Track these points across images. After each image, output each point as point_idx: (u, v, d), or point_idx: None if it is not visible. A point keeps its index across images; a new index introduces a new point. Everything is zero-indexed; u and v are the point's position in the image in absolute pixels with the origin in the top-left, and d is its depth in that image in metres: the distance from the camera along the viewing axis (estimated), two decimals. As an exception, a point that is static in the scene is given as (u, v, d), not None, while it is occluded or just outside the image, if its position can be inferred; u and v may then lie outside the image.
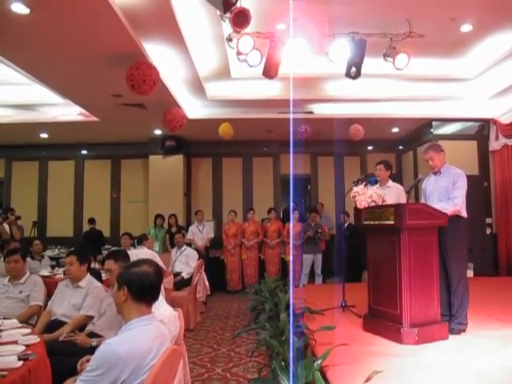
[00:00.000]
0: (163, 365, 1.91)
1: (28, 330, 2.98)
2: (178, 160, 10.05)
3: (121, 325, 3.14)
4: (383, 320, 4.10)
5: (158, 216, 9.27)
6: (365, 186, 4.68)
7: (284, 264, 9.14)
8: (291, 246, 8.76)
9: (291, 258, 8.66)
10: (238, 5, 4.44)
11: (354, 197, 4.57)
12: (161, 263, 6.02)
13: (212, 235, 9.30)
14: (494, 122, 8.71)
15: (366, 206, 4.44)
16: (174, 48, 5.73)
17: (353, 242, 7.80)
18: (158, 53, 5.78)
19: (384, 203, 4.44)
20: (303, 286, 7.85)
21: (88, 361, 2.46)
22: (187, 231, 9.03)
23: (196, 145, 10.27)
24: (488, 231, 8.57)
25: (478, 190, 8.27)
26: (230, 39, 5.28)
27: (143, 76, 4.99)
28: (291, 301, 4.71)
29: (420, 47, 6.14)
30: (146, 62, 5.13)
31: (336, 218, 10.43)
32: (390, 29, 5.62)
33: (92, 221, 9.51)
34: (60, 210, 10.56)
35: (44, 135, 9.58)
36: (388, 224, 4.05)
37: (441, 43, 6.42)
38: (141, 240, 6.71)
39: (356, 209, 4.67)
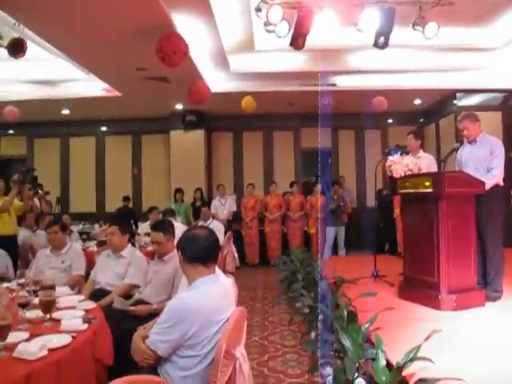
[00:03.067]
0: (236, 322, 1.98)
1: (82, 297, 3.05)
2: (198, 135, 10.07)
3: (168, 291, 3.26)
4: (420, 287, 4.14)
5: (178, 190, 9.34)
6: (400, 154, 4.67)
7: (307, 237, 9.18)
8: (320, 217, 8.77)
9: (320, 228, 8.68)
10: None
11: (390, 166, 4.56)
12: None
13: (234, 208, 9.38)
14: (520, 91, 8.57)
15: (403, 174, 4.44)
16: (200, 19, 5.67)
17: (377, 213, 7.82)
18: (184, 24, 5.72)
19: (420, 172, 4.43)
20: (329, 258, 7.90)
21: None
22: (209, 205, 9.08)
23: (216, 119, 10.26)
24: (513, 203, 8.51)
25: (506, 161, 8.17)
26: (258, 9, 5.22)
27: (173, 47, 4.97)
28: (324, 269, 4.75)
29: (448, 16, 6.00)
30: (175, 33, 5.11)
31: (357, 190, 10.45)
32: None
33: (126, 199, 9.59)
34: (82, 187, 10.68)
35: (65, 111, 9.62)
36: (426, 192, 4.05)
37: (469, 11, 6.26)
38: (166, 214, 6.77)
39: (391, 178, 4.67)
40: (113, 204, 9.92)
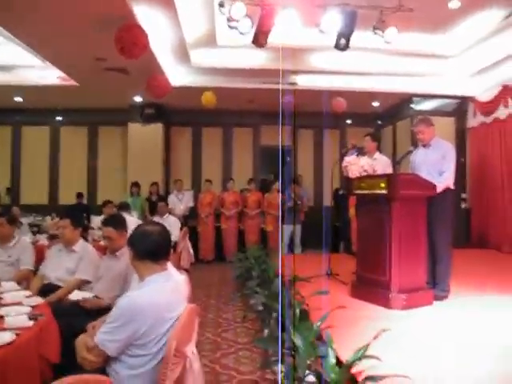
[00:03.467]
0: (187, 319, 1.96)
1: (28, 292, 2.95)
2: (157, 128, 9.92)
3: (121, 287, 3.20)
4: (372, 286, 4.23)
5: (134, 184, 9.20)
6: (357, 156, 4.75)
7: (264, 234, 9.22)
8: (277, 215, 8.83)
9: (280, 226, 8.74)
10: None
11: (346, 166, 4.65)
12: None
13: (191, 204, 9.31)
14: (473, 99, 8.92)
15: (358, 175, 4.52)
16: (162, 11, 5.58)
17: (333, 213, 7.95)
18: (145, 16, 5.61)
19: (375, 173, 4.53)
20: (285, 256, 7.97)
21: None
22: (165, 200, 8.97)
23: (176, 113, 10.13)
24: (463, 205, 8.85)
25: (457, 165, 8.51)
26: (221, 5, 5.18)
27: (133, 39, 4.85)
28: (280, 267, 4.78)
29: (408, 22, 6.15)
30: (136, 24, 5.01)
31: (315, 189, 10.58)
32: (381, 1, 5.62)
33: (80, 195, 9.32)
34: (34, 177, 10.30)
35: (18, 99, 9.25)
36: (380, 193, 4.14)
37: (428, 18, 6.45)
38: (121, 208, 6.65)
39: (347, 178, 4.75)
40: (66, 196, 9.66)
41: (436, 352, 2.97)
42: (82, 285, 3.61)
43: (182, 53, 7.07)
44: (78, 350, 2.02)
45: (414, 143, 5.69)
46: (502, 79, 7.91)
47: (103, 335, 1.95)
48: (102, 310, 2.94)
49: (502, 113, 8.16)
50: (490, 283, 5.10)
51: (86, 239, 5.00)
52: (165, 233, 2.26)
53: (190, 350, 2.03)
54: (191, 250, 7.00)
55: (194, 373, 2.00)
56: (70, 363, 2.16)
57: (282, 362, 2.99)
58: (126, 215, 6.22)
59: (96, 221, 7.46)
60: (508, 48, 6.91)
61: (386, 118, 10.48)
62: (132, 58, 5.08)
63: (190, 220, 9.29)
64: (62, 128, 10.48)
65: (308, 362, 2.64)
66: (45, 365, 2.30)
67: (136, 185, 9.17)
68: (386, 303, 4.00)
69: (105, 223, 3.52)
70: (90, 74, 7.38)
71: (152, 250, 2.13)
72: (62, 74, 7.68)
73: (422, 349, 3.03)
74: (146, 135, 9.80)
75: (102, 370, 1.97)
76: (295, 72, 8.08)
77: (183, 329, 1.93)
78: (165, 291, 2.06)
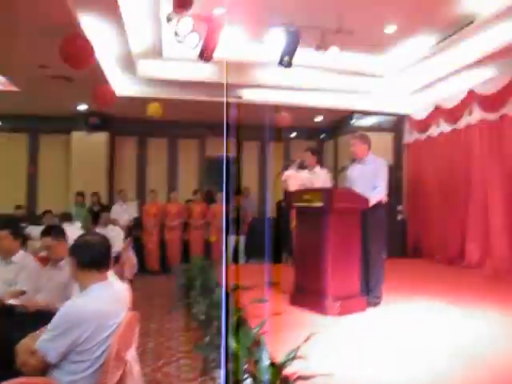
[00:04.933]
0: (127, 325, 2.04)
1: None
2: (102, 138, 9.83)
3: (63, 297, 3.21)
4: (309, 294, 4.44)
5: (79, 194, 9.03)
6: (297, 169, 4.96)
7: (208, 245, 9.29)
8: (223, 226, 8.93)
9: (224, 237, 8.83)
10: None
11: (286, 180, 4.84)
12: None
13: (136, 215, 9.24)
14: (409, 117, 9.49)
15: (297, 188, 4.73)
16: (109, 22, 5.62)
17: (276, 224, 8.15)
18: (91, 24, 5.60)
19: (313, 187, 4.76)
20: (228, 266, 8.07)
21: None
22: (110, 210, 8.87)
23: (121, 123, 10.04)
24: (399, 217, 9.32)
25: (391, 179, 8.96)
26: (169, 19, 5.29)
27: (78, 49, 4.88)
28: (224, 276, 4.88)
29: (348, 42, 6.53)
30: (81, 34, 5.02)
31: (259, 201, 10.79)
32: (323, 22, 5.93)
33: (18, 207, 8.96)
34: (-31, 185, 9.89)
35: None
36: (317, 206, 4.37)
37: (367, 40, 6.86)
38: (63, 218, 6.56)
39: (286, 191, 4.95)
40: (4, 206, 9.32)
41: (367, 355, 3.19)
42: (18, 296, 3.57)
43: (129, 63, 7.10)
44: (20, 354, 2.05)
45: (351, 159, 6.00)
46: (435, 99, 8.47)
47: (44, 342, 1.99)
48: (38, 321, 2.95)
49: (434, 131, 8.72)
50: (419, 290, 5.46)
51: (24, 250, 4.92)
52: (105, 242, 2.33)
53: (130, 354, 2.12)
54: (135, 261, 6.98)
55: (133, 376, 2.09)
56: (5, 374, 2.18)
57: (221, 368, 3.11)
58: (68, 225, 6.18)
59: (35, 231, 7.29)
60: (440, 71, 7.44)
61: (329, 132, 10.89)
62: (77, 68, 5.10)
63: (134, 230, 9.22)
64: (0, 134, 10.12)
65: (245, 366, 2.77)
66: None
67: (80, 194, 9.00)
68: (322, 310, 4.21)
69: (43, 233, 3.53)
70: (32, 81, 7.25)
71: (94, 259, 2.20)
72: (1, 79, 7.48)
73: (355, 352, 3.24)
74: (90, 144, 9.68)
75: (42, 375, 2.01)
76: (241, 86, 8.28)
77: (123, 335, 2.01)
78: (106, 300, 2.13)
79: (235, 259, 8.81)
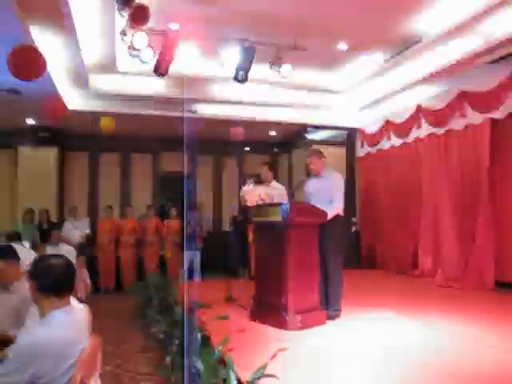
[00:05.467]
0: (91, 351, 1.95)
1: None
2: (51, 153, 9.51)
3: (14, 323, 3.05)
4: (269, 309, 4.43)
5: (28, 211, 8.67)
6: (254, 185, 4.98)
7: (163, 261, 9.12)
8: (185, 241, 8.82)
9: (186, 253, 8.72)
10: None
11: (244, 196, 4.84)
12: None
13: (88, 230, 8.96)
14: (361, 131, 9.75)
15: (255, 203, 4.74)
16: (60, 34, 5.48)
17: (232, 239, 8.14)
18: (41, 34, 5.42)
19: (272, 201, 4.78)
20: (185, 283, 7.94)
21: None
22: (60, 228, 8.56)
23: (72, 138, 9.77)
24: (353, 229, 9.52)
25: (345, 192, 9.16)
26: (124, 33, 5.23)
27: (30, 61, 4.69)
28: (185, 294, 4.80)
29: (302, 58, 6.67)
30: (32, 46, 4.85)
31: (214, 215, 10.74)
32: (278, 39, 6.03)
33: None
34: None
35: None
36: (275, 221, 4.38)
37: (320, 56, 7.04)
38: (11, 238, 6.25)
39: (245, 206, 4.95)
40: None
41: (329, 366, 3.21)
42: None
43: (81, 77, 6.93)
44: None
45: (308, 173, 6.08)
46: (385, 114, 8.76)
47: (0, 378, 1.85)
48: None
49: (385, 144, 9.00)
50: (375, 301, 5.57)
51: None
52: (69, 266, 2.23)
53: (94, 381, 2.03)
54: (88, 280, 6.75)
55: (98, 404, 2.00)
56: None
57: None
58: (17, 245, 5.88)
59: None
60: (389, 87, 7.72)
61: (283, 146, 11.02)
62: (27, 79, 4.91)
63: (87, 248, 8.93)
64: None
65: (210, 386, 2.72)
66: None
67: (30, 211, 8.64)
68: (283, 325, 4.20)
69: (-8, 255, 3.32)
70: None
71: (56, 284, 2.09)
72: None
73: (318, 366, 3.25)
74: (38, 160, 9.34)
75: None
76: (196, 100, 8.26)
77: (87, 361, 1.92)
78: (69, 327, 2.01)
79: (190, 275, 8.68)
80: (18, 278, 3.22)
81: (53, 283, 2.08)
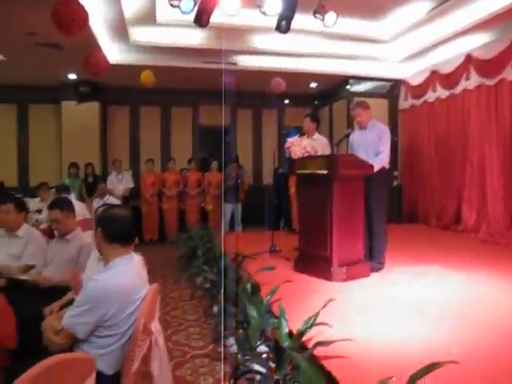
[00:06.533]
0: (151, 298, 2.04)
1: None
2: (93, 107, 9.62)
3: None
4: (314, 261, 4.47)
5: (72, 165, 8.94)
6: (299, 136, 4.92)
7: (204, 213, 9.29)
8: (217, 194, 8.95)
9: (217, 205, 8.89)
10: None
11: (289, 147, 4.80)
12: (87, 213, 5.96)
13: (132, 185, 9.19)
14: (404, 83, 9.41)
15: (300, 155, 4.70)
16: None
17: (273, 191, 8.18)
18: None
19: (316, 154, 4.73)
20: (227, 234, 8.10)
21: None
22: (104, 181, 8.80)
23: (113, 92, 9.82)
24: (395, 183, 9.36)
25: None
26: (164, -17, 5.11)
27: (72, 14, 4.68)
28: (225, 245, 4.90)
29: (346, 7, 6.39)
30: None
31: (254, 168, 10.77)
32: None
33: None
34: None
35: None
36: (321, 173, 4.35)
37: (364, 4, 6.71)
38: (60, 190, 6.47)
39: (290, 158, 4.92)
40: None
41: (374, 317, 3.25)
42: (28, 270, 3.54)
43: (121, 29, 6.87)
44: (46, 333, 2.04)
45: (350, 124, 5.96)
46: (431, 64, 8.39)
47: (72, 318, 1.97)
48: (52, 294, 2.95)
49: (430, 96, 8.65)
50: (419, 255, 5.54)
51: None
52: (131, 217, 2.31)
53: (154, 326, 2.12)
54: (134, 231, 6.97)
55: (159, 348, 2.10)
56: (27, 348, 2.18)
57: (234, 335, 3.15)
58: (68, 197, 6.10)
59: (31, 204, 7.22)
60: (436, 35, 7.33)
61: (323, 98, 10.78)
62: (70, 35, 4.91)
63: (131, 200, 9.18)
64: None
65: (259, 333, 2.81)
66: (2, 351, 2.30)
67: (74, 165, 8.91)
68: (327, 276, 4.26)
69: (51, 206, 3.45)
70: (19, 49, 7.02)
71: (122, 233, 2.18)
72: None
73: (364, 315, 3.30)
74: (81, 114, 9.48)
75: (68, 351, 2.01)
76: (235, 52, 8.12)
77: (148, 307, 2.02)
78: (130, 274, 2.12)
79: (231, 227, 8.83)
80: (73, 227, 3.35)
81: (119, 232, 2.17)
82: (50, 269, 3.35)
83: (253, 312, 2.78)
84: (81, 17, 4.76)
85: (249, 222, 9.34)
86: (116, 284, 2.02)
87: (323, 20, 5.87)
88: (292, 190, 7.33)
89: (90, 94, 9.40)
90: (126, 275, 2.08)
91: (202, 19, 5.68)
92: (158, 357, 2.07)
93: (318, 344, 2.42)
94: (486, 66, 7.11)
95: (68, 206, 3.42)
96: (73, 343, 2.01)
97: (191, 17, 5.71)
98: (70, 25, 4.74)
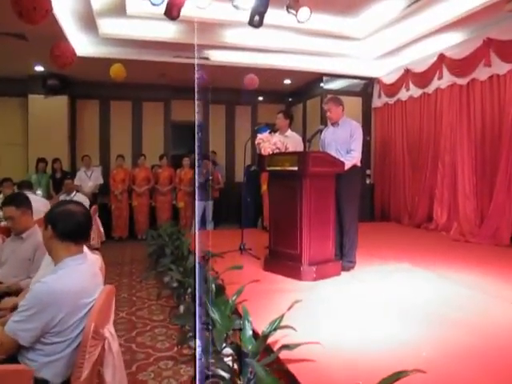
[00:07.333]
0: (104, 301, 1.91)
1: None
2: (61, 101, 9.34)
3: (27, 271, 3.04)
4: (284, 260, 4.39)
5: (40, 160, 8.67)
6: (270, 133, 4.83)
7: (175, 211, 9.15)
8: (188, 191, 8.80)
9: (188, 202, 8.76)
10: None
11: (259, 144, 4.71)
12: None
13: (101, 181, 8.99)
14: (378, 81, 9.43)
15: (270, 152, 4.61)
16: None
17: (250, 188, 8.08)
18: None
19: (286, 150, 4.65)
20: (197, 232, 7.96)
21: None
22: (72, 177, 8.56)
23: (82, 85, 9.54)
24: (367, 181, 9.38)
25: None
26: (132, -28, 4.95)
27: (34, 3, 4.48)
28: (197, 243, 4.78)
29: (320, 3, 6.32)
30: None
31: (227, 165, 10.65)
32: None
33: None
34: None
35: None
36: (291, 170, 4.26)
37: (339, 2, 6.65)
38: (22, 186, 6.23)
39: (260, 155, 4.83)
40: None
41: (344, 319, 3.18)
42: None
43: (89, 21, 6.65)
44: None
45: (324, 121, 5.90)
46: (405, 63, 8.41)
47: (15, 324, 1.82)
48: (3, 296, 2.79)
49: (403, 95, 8.68)
50: (390, 253, 5.53)
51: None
52: (88, 214, 2.17)
53: (108, 331, 1.99)
54: (101, 229, 6.79)
55: (113, 353, 1.97)
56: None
57: (199, 337, 3.03)
58: (28, 194, 5.87)
59: (-6, 200, 6.96)
60: (410, 34, 7.33)
61: (297, 95, 10.73)
62: (32, 23, 4.68)
63: (100, 197, 8.96)
64: None
65: (225, 336, 2.70)
66: None
67: (42, 161, 8.64)
68: (297, 275, 4.18)
69: (6, 203, 3.26)
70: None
71: (75, 230, 2.03)
72: None
73: (333, 316, 3.23)
74: (48, 108, 9.18)
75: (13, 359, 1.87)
76: (208, 47, 7.98)
77: (101, 310, 1.88)
78: (81, 275, 1.97)
79: (203, 225, 8.70)
80: (30, 225, 3.19)
81: (74, 228, 2.02)
82: (5, 269, 3.18)
83: (215, 314, 2.67)
84: (43, 5, 4.55)
85: (221, 219, 9.24)
86: (65, 286, 1.87)
87: (296, 15, 5.78)
88: (264, 187, 7.24)
89: (58, 88, 9.12)
90: (75, 277, 1.94)
91: (172, 12, 5.52)
92: (111, 363, 1.94)
93: (284, 347, 2.33)
94: (458, 66, 7.15)
95: (24, 203, 3.24)
96: (17, 351, 1.86)
97: (162, 9, 5.56)
98: (32, 13, 4.53)
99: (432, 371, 2.06)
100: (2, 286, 3.02)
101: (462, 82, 7.16)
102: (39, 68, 8.64)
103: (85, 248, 2.25)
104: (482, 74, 6.76)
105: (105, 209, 8.81)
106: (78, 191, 7.43)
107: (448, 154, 7.48)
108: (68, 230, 2.03)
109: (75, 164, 9.72)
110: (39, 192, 8.00)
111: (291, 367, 2.30)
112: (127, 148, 10.13)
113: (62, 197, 6.94)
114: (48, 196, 8.24)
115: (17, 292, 2.78)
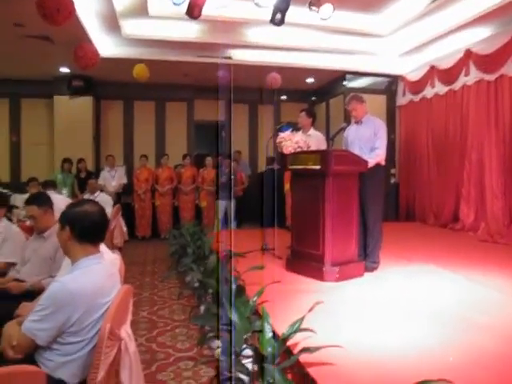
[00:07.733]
0: (121, 301, 1.89)
1: None
2: (86, 102, 9.46)
3: (49, 270, 3.05)
4: (306, 260, 4.32)
5: (66, 160, 8.79)
6: (291, 131, 4.77)
7: (198, 210, 9.16)
8: (211, 190, 8.80)
9: (211, 202, 8.75)
10: None
11: (281, 142, 4.66)
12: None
13: (125, 181, 9.06)
14: (402, 78, 9.25)
15: (292, 151, 4.55)
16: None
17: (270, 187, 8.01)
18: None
19: (309, 149, 4.58)
20: (220, 232, 7.95)
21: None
22: (96, 176, 8.66)
23: (106, 86, 9.65)
24: (392, 180, 9.22)
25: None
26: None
27: (57, 4, 4.54)
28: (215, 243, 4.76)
29: (342, 1, 6.22)
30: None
31: (250, 164, 10.61)
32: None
33: None
34: None
35: None
36: (313, 169, 4.19)
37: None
38: (46, 186, 6.32)
39: (282, 154, 4.77)
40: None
41: (367, 321, 3.10)
42: (6, 268, 3.41)
43: (112, 22, 6.71)
44: (3, 341, 1.88)
45: (347, 120, 5.82)
46: (430, 59, 8.23)
47: (32, 323, 1.82)
48: (26, 296, 2.80)
49: (428, 92, 8.49)
50: (415, 254, 5.39)
51: (9, 219, 4.72)
52: (104, 214, 2.15)
53: (125, 331, 1.97)
54: (124, 228, 6.84)
55: (129, 354, 1.94)
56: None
57: (218, 338, 3.00)
58: (52, 193, 5.94)
59: (20, 199, 7.07)
60: (435, 30, 7.17)
61: (320, 94, 10.63)
62: (56, 25, 4.75)
63: (123, 196, 9.04)
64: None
65: (244, 337, 2.66)
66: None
67: (67, 161, 8.76)
68: (320, 276, 4.10)
69: (28, 202, 3.29)
70: (8, 41, 6.85)
71: (91, 230, 2.02)
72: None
73: (355, 318, 3.15)
74: (74, 109, 9.31)
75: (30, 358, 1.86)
76: (231, 46, 7.96)
77: (117, 311, 1.86)
78: (97, 275, 1.96)
79: (226, 224, 8.68)
80: (51, 224, 3.20)
81: (90, 230, 2.01)
82: (28, 267, 3.21)
83: (234, 316, 2.63)
84: (67, 7, 4.60)
85: (244, 219, 9.20)
86: (81, 286, 1.86)
87: (319, 12, 5.71)
88: (286, 186, 7.18)
89: (83, 89, 9.24)
90: (92, 276, 1.92)
91: (193, 11, 5.51)
92: (128, 365, 1.92)
93: (304, 350, 2.28)
94: (486, 61, 6.95)
95: (46, 202, 3.27)
96: (33, 350, 1.86)
97: (184, 9, 5.56)
98: (56, 14, 4.58)
99: (457, 380, 1.97)
100: (25, 285, 3.05)
101: (490, 78, 6.95)
102: (64, 69, 8.77)
103: (103, 247, 2.24)
104: (510, 69, 6.55)
105: (128, 208, 8.87)
106: (102, 191, 7.49)
107: (475, 152, 7.28)
108: (85, 231, 2.02)
109: (99, 164, 9.84)
110: (64, 192, 8.13)
111: (311, 371, 2.25)
112: (151, 148, 10.19)
113: (86, 196, 6.99)
114: (73, 196, 8.35)
115: (39, 291, 2.79)
